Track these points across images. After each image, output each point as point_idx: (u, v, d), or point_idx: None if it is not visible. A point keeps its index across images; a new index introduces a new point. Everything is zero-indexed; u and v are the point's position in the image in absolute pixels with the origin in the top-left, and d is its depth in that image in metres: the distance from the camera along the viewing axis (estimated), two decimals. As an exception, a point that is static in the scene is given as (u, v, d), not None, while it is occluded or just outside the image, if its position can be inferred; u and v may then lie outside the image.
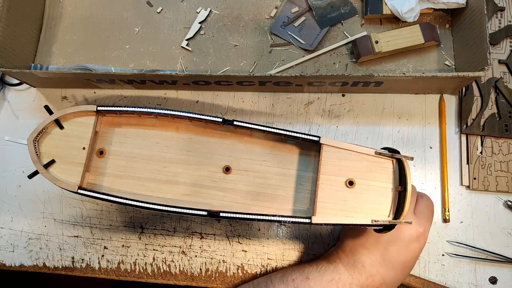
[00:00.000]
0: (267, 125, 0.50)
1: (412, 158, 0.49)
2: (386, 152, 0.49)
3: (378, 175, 0.49)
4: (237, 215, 0.48)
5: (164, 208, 0.49)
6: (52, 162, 0.51)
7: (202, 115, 0.51)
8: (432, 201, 0.53)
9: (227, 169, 0.52)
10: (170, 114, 0.51)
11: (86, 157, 0.51)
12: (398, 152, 0.49)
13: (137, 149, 0.53)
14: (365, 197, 0.49)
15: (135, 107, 0.52)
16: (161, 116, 0.52)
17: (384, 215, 0.48)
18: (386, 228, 0.49)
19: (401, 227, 0.50)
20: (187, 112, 0.51)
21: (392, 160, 0.50)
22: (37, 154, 0.51)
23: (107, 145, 0.53)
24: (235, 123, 0.50)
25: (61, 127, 0.52)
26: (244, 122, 0.50)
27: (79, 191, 0.50)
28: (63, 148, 0.52)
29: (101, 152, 0.53)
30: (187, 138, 0.53)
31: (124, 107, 0.52)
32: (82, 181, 0.51)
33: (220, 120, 0.50)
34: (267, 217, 0.47)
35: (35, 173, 0.51)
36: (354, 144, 0.50)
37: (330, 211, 0.48)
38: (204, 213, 0.48)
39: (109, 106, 0.52)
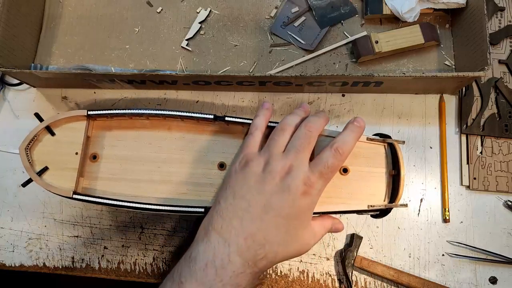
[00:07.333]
0: None
1: (403, 142, 0.49)
2: (377, 137, 0.50)
3: (371, 160, 0.50)
4: None
5: (160, 207, 0.49)
6: (45, 169, 0.51)
7: (193, 113, 0.51)
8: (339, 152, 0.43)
9: (221, 165, 0.52)
10: (161, 114, 0.51)
11: (79, 162, 0.51)
12: (389, 137, 0.50)
13: (130, 151, 0.53)
14: (359, 183, 0.49)
15: (125, 110, 0.51)
16: (152, 117, 0.52)
17: (379, 200, 0.49)
18: (383, 212, 0.49)
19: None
20: (178, 111, 0.51)
21: (384, 145, 0.50)
22: (30, 162, 0.51)
23: (100, 149, 0.53)
24: (226, 118, 0.50)
25: (53, 134, 0.52)
26: (235, 118, 0.50)
27: (74, 196, 0.49)
28: (55, 155, 0.51)
29: (94, 157, 0.53)
30: (180, 137, 0.53)
31: (115, 110, 0.52)
32: (77, 186, 0.51)
33: (212, 116, 0.50)
34: None
35: (29, 181, 0.51)
36: None
37: (326, 199, 0.48)
38: (201, 210, 0.48)
39: (100, 110, 0.51)
